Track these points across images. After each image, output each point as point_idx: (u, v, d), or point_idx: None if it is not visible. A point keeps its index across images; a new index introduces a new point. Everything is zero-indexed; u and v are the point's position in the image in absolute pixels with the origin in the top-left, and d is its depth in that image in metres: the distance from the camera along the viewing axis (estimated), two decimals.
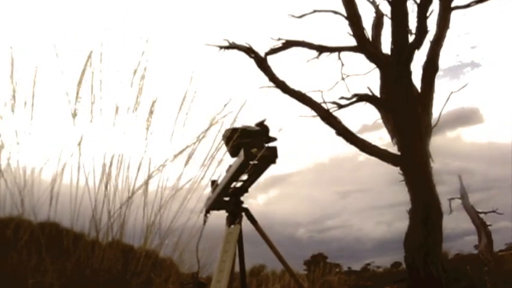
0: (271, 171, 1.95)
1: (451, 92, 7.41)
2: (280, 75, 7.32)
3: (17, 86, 1.64)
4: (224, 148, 1.89)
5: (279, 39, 7.40)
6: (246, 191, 2.12)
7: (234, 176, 1.96)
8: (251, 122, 1.92)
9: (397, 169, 6.98)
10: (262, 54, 7.32)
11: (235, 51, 7.30)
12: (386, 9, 7.42)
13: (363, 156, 7.25)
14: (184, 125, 1.77)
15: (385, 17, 7.65)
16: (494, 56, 18.46)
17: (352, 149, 7.16)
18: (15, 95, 1.63)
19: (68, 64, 1.71)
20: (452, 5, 7.14)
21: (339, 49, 7.61)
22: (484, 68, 17.80)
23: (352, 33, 7.47)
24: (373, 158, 7.14)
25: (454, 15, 7.19)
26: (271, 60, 7.38)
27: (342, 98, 7.44)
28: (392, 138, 7.26)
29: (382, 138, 7.47)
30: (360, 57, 7.54)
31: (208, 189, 2.16)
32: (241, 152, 1.81)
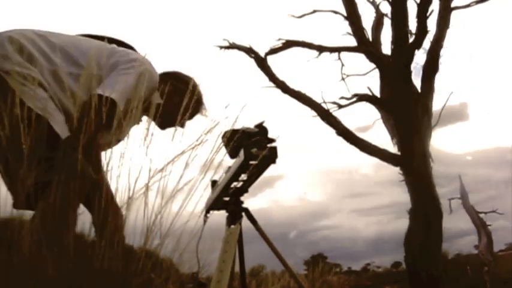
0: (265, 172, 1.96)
1: (451, 92, 7.45)
2: (280, 75, 7.34)
3: None
4: (224, 150, 1.89)
5: (279, 39, 7.42)
6: (246, 191, 2.13)
7: (234, 176, 1.96)
8: (250, 123, 1.92)
9: (394, 170, 7.00)
10: (262, 54, 7.33)
11: (235, 51, 7.32)
12: (386, 9, 7.45)
13: (363, 156, 7.24)
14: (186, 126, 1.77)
15: (385, 17, 7.66)
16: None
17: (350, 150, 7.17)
18: None
19: None
20: (452, 5, 7.15)
21: (339, 49, 7.62)
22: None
23: (352, 33, 7.48)
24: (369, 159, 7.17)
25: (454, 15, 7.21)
26: (271, 60, 7.40)
27: (342, 98, 7.46)
28: (392, 138, 7.27)
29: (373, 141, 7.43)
30: (360, 57, 7.56)
31: (209, 190, 2.17)
32: (241, 152, 1.81)
